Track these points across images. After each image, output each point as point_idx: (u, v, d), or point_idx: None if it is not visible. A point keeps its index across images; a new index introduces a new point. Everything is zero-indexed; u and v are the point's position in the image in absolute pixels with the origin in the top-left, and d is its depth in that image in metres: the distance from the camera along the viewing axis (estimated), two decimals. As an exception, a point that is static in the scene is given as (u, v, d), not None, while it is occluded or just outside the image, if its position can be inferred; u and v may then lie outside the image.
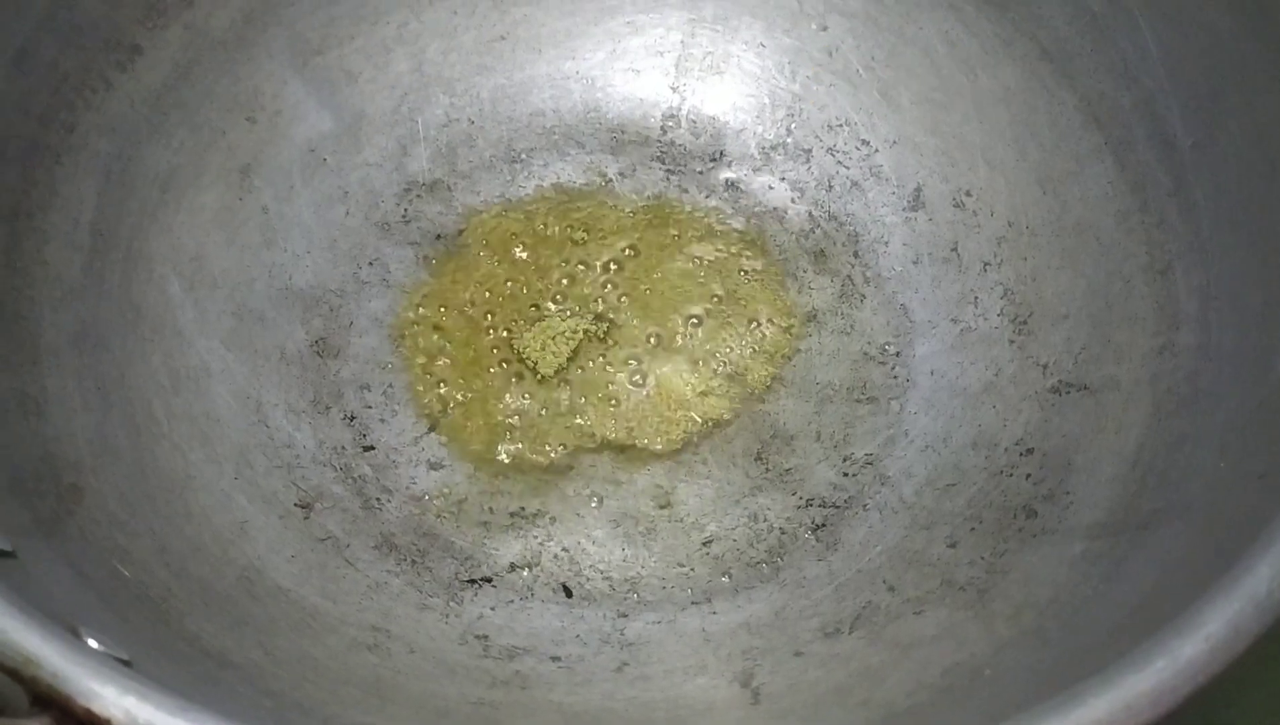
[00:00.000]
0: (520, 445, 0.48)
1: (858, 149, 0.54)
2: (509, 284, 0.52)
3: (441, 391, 0.49)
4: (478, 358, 0.50)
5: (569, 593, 0.45)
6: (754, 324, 0.51)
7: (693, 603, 0.45)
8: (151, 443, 0.45)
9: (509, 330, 0.51)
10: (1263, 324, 0.41)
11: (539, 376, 0.50)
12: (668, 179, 0.54)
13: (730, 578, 0.46)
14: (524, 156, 0.55)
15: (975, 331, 0.50)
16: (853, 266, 0.52)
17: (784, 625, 0.44)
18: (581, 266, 0.52)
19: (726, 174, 0.55)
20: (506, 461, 0.48)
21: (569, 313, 0.51)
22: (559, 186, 0.54)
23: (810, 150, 0.54)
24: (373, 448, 0.48)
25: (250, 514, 0.45)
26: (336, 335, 0.50)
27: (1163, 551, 0.38)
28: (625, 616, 0.45)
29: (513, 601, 0.45)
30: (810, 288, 0.52)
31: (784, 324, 0.51)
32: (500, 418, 0.49)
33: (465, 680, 0.42)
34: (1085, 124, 0.49)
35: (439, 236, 0.53)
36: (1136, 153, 0.47)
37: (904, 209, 0.53)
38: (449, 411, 0.49)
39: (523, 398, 0.49)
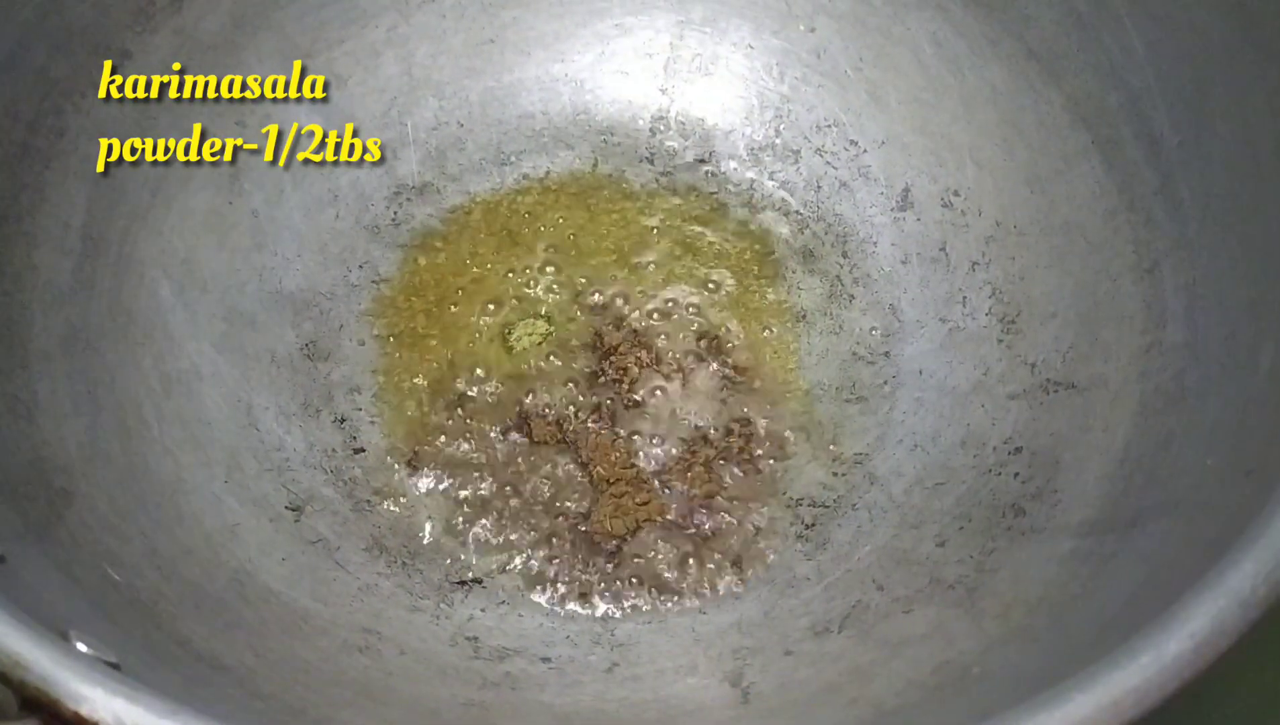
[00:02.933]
0: (512, 442, 0.49)
1: (846, 149, 0.54)
2: (499, 285, 0.52)
3: (432, 392, 0.50)
4: (468, 357, 0.50)
5: (548, 602, 0.45)
6: (742, 324, 0.51)
7: (683, 603, 0.45)
8: (142, 446, 0.45)
9: (499, 331, 0.51)
10: (1249, 321, 0.41)
11: (528, 375, 0.50)
12: (657, 180, 0.55)
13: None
14: (513, 159, 0.55)
15: (964, 331, 0.50)
16: (841, 266, 0.53)
17: (774, 625, 0.44)
18: (569, 268, 0.52)
19: (715, 175, 0.55)
20: (496, 460, 0.48)
21: (557, 312, 0.51)
22: (548, 189, 0.54)
23: (799, 151, 0.55)
24: (363, 450, 0.48)
25: (241, 517, 0.45)
26: (327, 338, 0.50)
27: (1150, 549, 0.38)
28: (615, 617, 0.45)
29: (503, 603, 0.45)
30: (799, 288, 0.52)
31: (773, 324, 0.51)
32: (491, 416, 0.49)
33: (456, 681, 0.42)
34: (1072, 123, 0.49)
35: (428, 239, 0.53)
36: (1123, 152, 0.47)
37: (892, 209, 0.53)
38: (439, 412, 0.49)
39: (512, 394, 0.49)
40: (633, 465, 0.48)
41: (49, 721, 0.30)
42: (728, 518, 0.47)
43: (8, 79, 0.45)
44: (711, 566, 0.46)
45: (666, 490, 0.48)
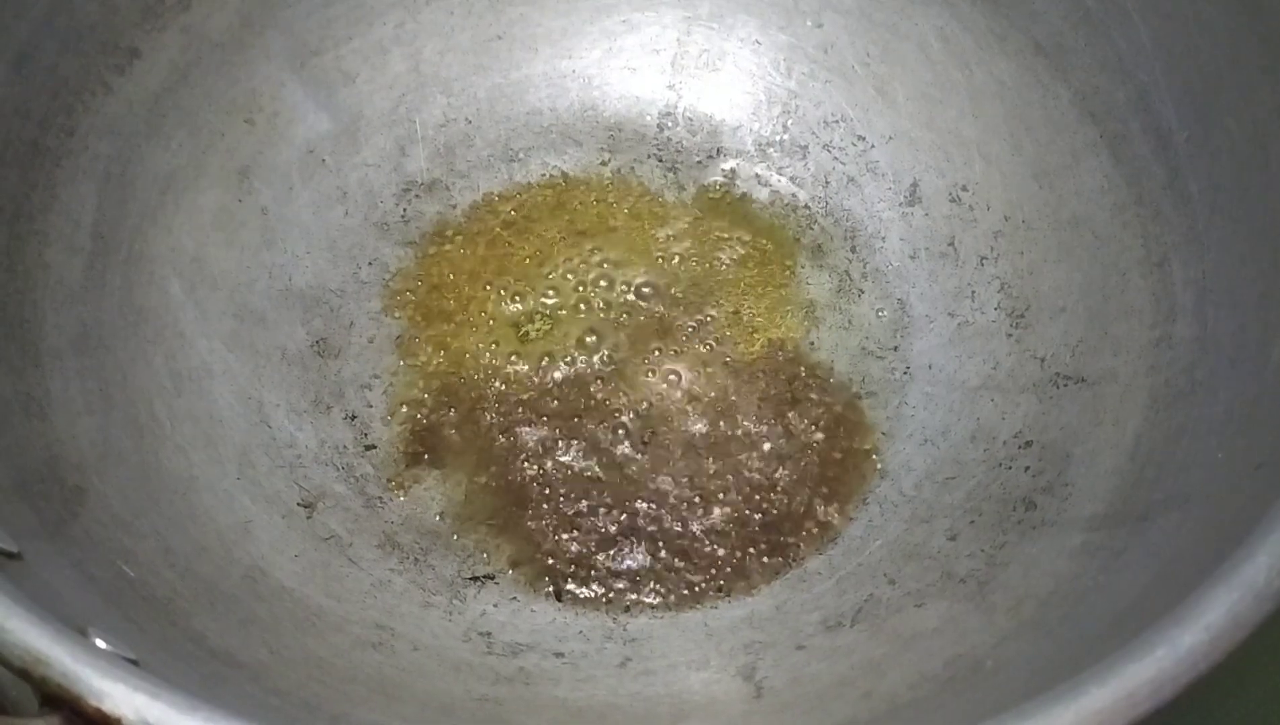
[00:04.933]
0: (524, 436, 0.49)
1: (854, 145, 0.54)
2: (509, 281, 0.52)
3: (443, 389, 0.50)
4: (479, 354, 0.50)
5: (559, 597, 0.46)
6: (751, 320, 0.51)
7: (695, 598, 0.45)
8: (154, 444, 0.45)
9: (511, 326, 0.51)
10: (1259, 315, 0.41)
11: (541, 369, 0.50)
12: (665, 176, 0.55)
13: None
14: (522, 155, 0.55)
15: (973, 325, 0.50)
16: (850, 261, 0.53)
17: (785, 619, 0.44)
18: (579, 263, 0.53)
19: (723, 171, 0.55)
20: (507, 455, 0.48)
21: (569, 306, 0.51)
22: (556, 185, 0.54)
23: (807, 146, 0.55)
24: (374, 446, 0.48)
25: (253, 514, 0.45)
26: (337, 335, 0.51)
27: (1162, 542, 0.39)
28: (627, 612, 0.45)
29: (515, 598, 0.45)
30: (808, 283, 0.52)
31: (782, 319, 0.51)
32: (502, 412, 0.49)
33: (469, 677, 0.42)
34: (1080, 118, 0.49)
35: (437, 236, 0.53)
36: (1131, 146, 0.47)
37: (901, 204, 0.53)
38: (450, 409, 0.49)
39: (523, 391, 0.50)
40: (647, 457, 0.48)
41: (70, 718, 0.30)
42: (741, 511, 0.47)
43: (18, 78, 0.45)
44: (722, 562, 0.46)
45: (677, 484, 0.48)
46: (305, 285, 0.51)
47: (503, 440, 0.49)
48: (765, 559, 0.46)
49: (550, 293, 0.52)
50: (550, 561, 0.46)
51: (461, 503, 0.47)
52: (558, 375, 0.50)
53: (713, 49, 0.56)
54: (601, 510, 0.47)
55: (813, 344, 0.51)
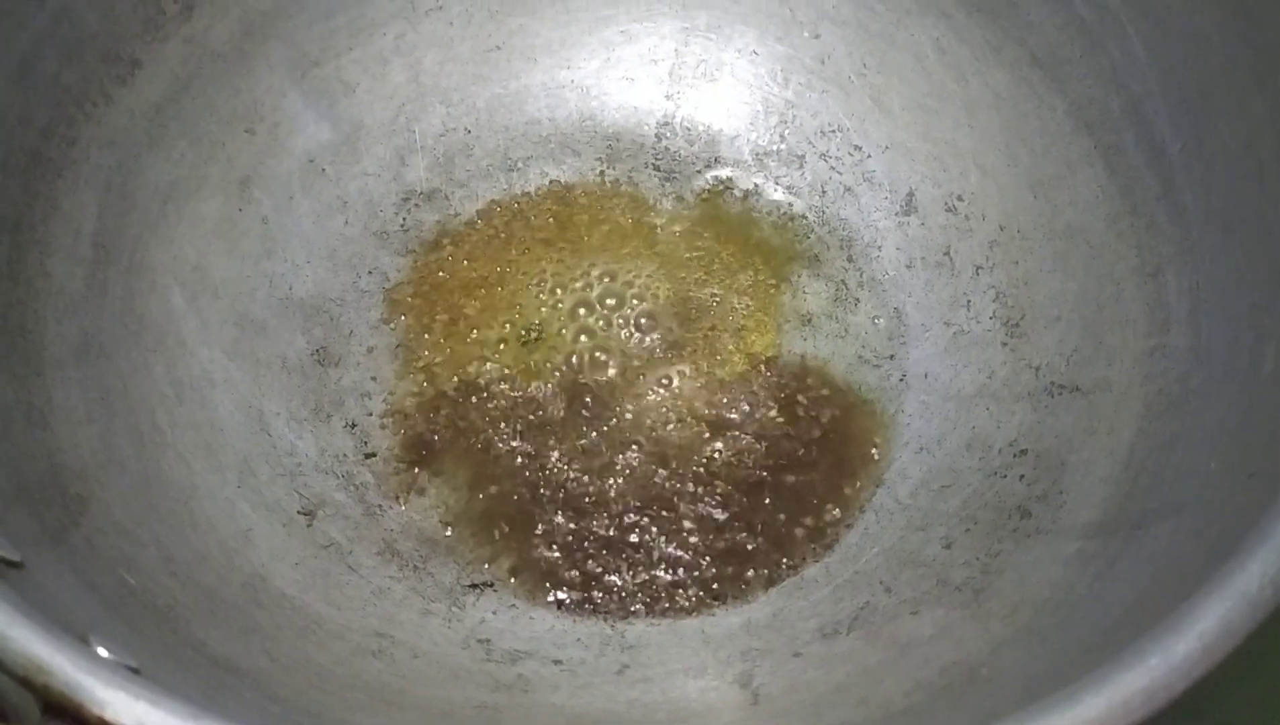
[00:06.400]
0: (523, 444, 0.49)
1: (850, 154, 0.54)
2: (508, 289, 0.52)
3: (441, 398, 0.50)
4: (477, 362, 0.51)
5: (560, 604, 0.46)
6: (748, 328, 0.52)
7: (692, 605, 0.46)
8: (156, 452, 0.45)
9: (508, 335, 0.51)
10: (1252, 325, 0.41)
11: (539, 378, 0.50)
12: (662, 186, 0.55)
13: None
14: (520, 165, 0.55)
15: (968, 334, 0.50)
16: (846, 271, 0.53)
17: (782, 627, 0.44)
18: (577, 273, 0.53)
19: (721, 180, 0.55)
20: (506, 463, 0.49)
21: (566, 315, 0.52)
22: (555, 194, 0.55)
23: (803, 156, 0.55)
24: (374, 455, 0.49)
25: (254, 522, 0.45)
26: (337, 344, 0.51)
27: (1156, 550, 0.39)
28: (625, 619, 0.45)
29: (514, 606, 0.45)
30: (805, 292, 0.53)
31: (778, 328, 0.52)
32: (500, 421, 0.49)
33: (469, 684, 0.42)
34: (1075, 129, 0.49)
35: (437, 245, 0.53)
36: (1126, 157, 0.48)
37: (897, 214, 0.53)
38: (449, 417, 0.49)
39: (522, 399, 0.50)
40: (643, 466, 0.48)
41: (71, 726, 0.30)
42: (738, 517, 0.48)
43: (20, 87, 0.45)
44: (719, 569, 0.46)
45: (678, 491, 0.48)
46: (305, 294, 0.51)
47: (502, 448, 0.49)
48: (762, 567, 0.46)
49: (548, 302, 0.52)
50: (550, 569, 0.46)
51: (461, 510, 0.48)
52: (556, 384, 0.50)
53: (710, 59, 0.56)
54: (599, 518, 0.47)
55: (809, 353, 0.51)
